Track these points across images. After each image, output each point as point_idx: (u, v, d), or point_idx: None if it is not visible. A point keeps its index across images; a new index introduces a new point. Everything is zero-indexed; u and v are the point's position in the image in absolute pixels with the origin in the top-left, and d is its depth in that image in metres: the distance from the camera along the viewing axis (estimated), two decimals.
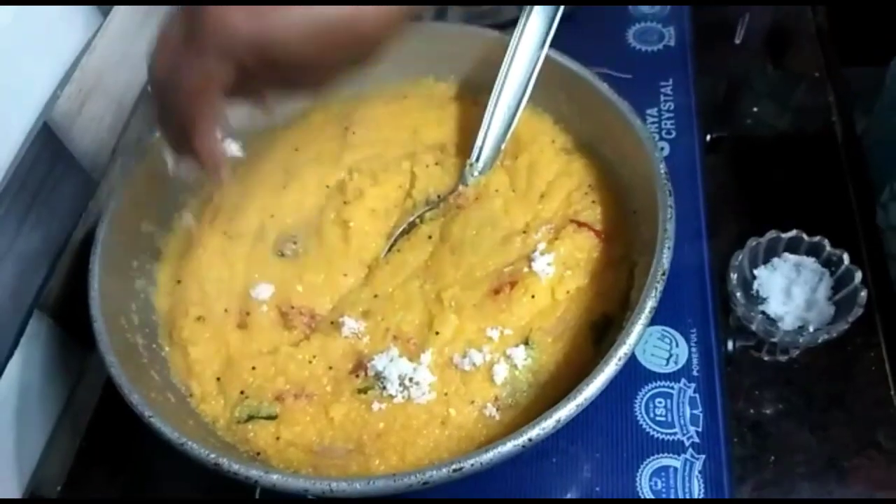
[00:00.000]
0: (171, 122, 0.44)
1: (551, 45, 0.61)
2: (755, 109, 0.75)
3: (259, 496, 0.53)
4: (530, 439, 0.42)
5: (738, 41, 0.81)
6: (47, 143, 0.57)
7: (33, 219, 0.56)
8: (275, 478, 0.43)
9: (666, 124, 0.72)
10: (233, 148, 0.48)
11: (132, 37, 0.67)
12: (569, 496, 0.53)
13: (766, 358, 0.58)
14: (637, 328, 0.46)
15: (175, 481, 0.56)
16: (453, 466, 0.41)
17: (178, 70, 0.40)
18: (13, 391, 0.54)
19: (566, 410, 0.43)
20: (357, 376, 0.53)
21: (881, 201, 0.65)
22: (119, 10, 0.64)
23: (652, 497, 0.52)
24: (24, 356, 0.55)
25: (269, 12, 0.38)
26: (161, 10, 0.68)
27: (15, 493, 0.55)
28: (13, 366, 0.54)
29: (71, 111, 0.59)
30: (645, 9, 0.83)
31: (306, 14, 0.38)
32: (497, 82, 0.62)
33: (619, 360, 0.44)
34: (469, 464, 0.41)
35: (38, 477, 0.57)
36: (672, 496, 0.52)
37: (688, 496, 0.52)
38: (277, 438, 0.50)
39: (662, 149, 0.68)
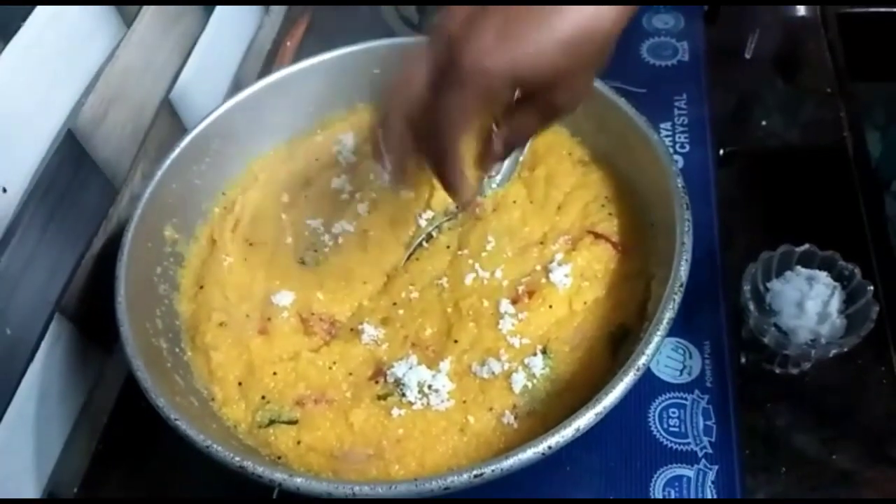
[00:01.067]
0: (421, 150, 0.44)
1: None
2: (765, 124, 0.76)
3: (276, 498, 0.54)
4: (550, 447, 0.43)
5: (748, 56, 0.81)
6: (71, 149, 0.58)
7: (56, 224, 0.56)
8: (298, 481, 0.43)
9: (680, 138, 0.73)
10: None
11: (154, 47, 0.68)
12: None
13: (778, 370, 0.59)
14: (655, 339, 0.46)
15: (191, 483, 0.57)
16: (474, 472, 0.42)
17: (434, 107, 0.41)
18: (33, 393, 0.55)
19: (585, 419, 0.43)
20: (376, 383, 0.54)
21: (892, 189, 0.66)
22: (142, 22, 0.65)
23: None
24: (45, 358, 0.56)
25: (520, 42, 0.38)
26: (177, 13, 0.69)
27: (32, 493, 0.56)
28: (34, 368, 0.55)
29: (94, 119, 0.60)
30: (659, 24, 0.84)
31: (551, 31, 0.38)
32: (516, 94, 0.62)
33: (638, 370, 0.45)
34: (490, 470, 0.42)
35: (56, 478, 0.58)
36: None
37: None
38: (298, 443, 0.51)
39: (676, 162, 0.69)
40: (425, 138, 0.43)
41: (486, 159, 0.47)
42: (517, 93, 0.42)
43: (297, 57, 0.69)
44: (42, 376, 0.56)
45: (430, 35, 0.41)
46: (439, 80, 0.40)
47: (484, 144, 0.46)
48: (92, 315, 0.60)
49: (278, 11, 0.94)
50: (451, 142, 0.42)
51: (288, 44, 0.88)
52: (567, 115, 0.45)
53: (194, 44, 0.74)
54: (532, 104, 0.43)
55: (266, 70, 0.85)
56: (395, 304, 0.58)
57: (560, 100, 0.43)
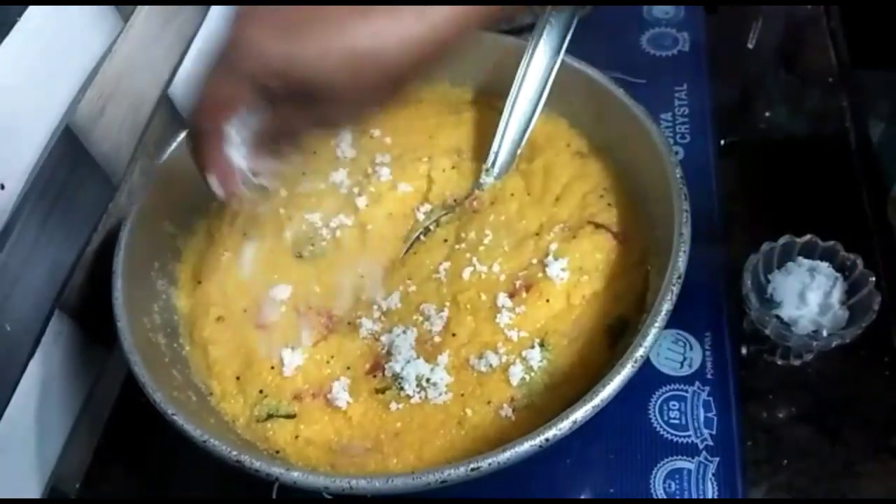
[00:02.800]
0: (191, 132, 0.43)
1: (566, 51, 0.61)
2: (768, 114, 0.75)
3: (276, 496, 0.54)
4: (547, 439, 0.42)
5: (751, 46, 0.81)
6: (69, 146, 0.57)
7: (55, 220, 0.56)
8: (295, 475, 0.43)
9: (680, 129, 0.72)
10: (254, 176, 0.46)
11: (152, 42, 0.68)
12: (583, 497, 0.54)
13: (779, 362, 0.59)
14: (653, 331, 0.46)
15: (192, 480, 0.57)
16: (471, 466, 0.42)
17: (205, 86, 0.40)
18: (34, 390, 0.55)
19: (583, 411, 0.43)
20: (374, 376, 0.54)
21: (892, 196, 0.65)
22: (139, 17, 0.65)
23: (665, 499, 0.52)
24: (45, 355, 0.56)
25: (303, 37, 0.37)
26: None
27: (34, 491, 0.56)
28: (34, 365, 0.55)
29: (92, 115, 0.60)
30: (659, 14, 0.84)
31: (339, 42, 0.37)
32: (513, 88, 0.62)
33: (636, 361, 0.45)
34: (487, 463, 0.42)
35: (57, 474, 0.58)
36: (686, 498, 0.52)
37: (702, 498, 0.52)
38: (296, 437, 0.51)
39: (677, 153, 0.69)
40: (191, 118, 0.42)
41: (256, 150, 0.43)
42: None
43: None
44: (42, 373, 0.56)
45: (231, 10, 0.39)
46: (218, 58, 0.39)
47: (259, 134, 0.43)
48: (92, 311, 0.60)
49: None
50: (210, 122, 0.41)
51: None
52: (343, 128, 0.43)
53: (193, 38, 0.74)
54: (305, 105, 0.40)
55: None
56: (393, 297, 0.57)
57: (333, 114, 0.41)
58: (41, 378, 0.56)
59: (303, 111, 0.40)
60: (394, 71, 0.38)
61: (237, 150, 0.42)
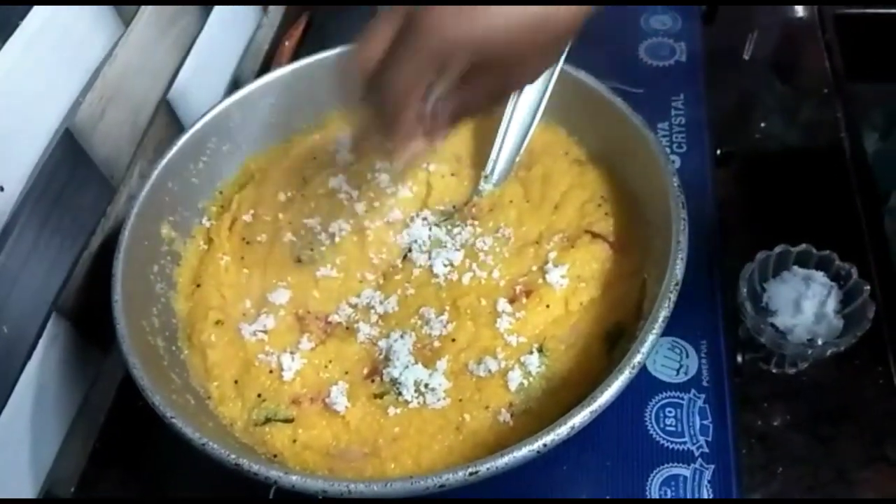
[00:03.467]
0: (376, 112, 0.45)
1: (565, 60, 0.62)
2: (763, 125, 0.76)
3: (272, 497, 0.54)
4: (545, 445, 0.43)
5: (746, 57, 0.82)
6: (69, 148, 0.58)
7: (54, 223, 0.56)
8: (294, 479, 0.43)
9: (677, 138, 0.73)
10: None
11: (152, 46, 0.68)
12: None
13: (774, 370, 0.59)
14: (650, 337, 0.46)
15: (187, 483, 0.57)
16: (469, 470, 0.42)
17: (390, 68, 0.42)
18: (30, 392, 0.55)
19: (580, 417, 0.43)
20: (373, 381, 0.54)
21: (888, 207, 0.66)
22: (140, 21, 0.65)
23: None
24: (42, 357, 0.56)
25: (480, 15, 0.40)
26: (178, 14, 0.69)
27: (29, 493, 0.56)
28: (31, 367, 0.55)
29: (92, 118, 0.60)
30: (656, 24, 0.84)
31: (511, 14, 0.40)
32: (512, 96, 0.62)
33: (633, 368, 0.45)
34: (485, 468, 0.42)
35: (53, 477, 0.58)
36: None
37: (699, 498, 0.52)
38: (294, 441, 0.51)
39: (673, 162, 0.69)
40: (377, 98, 0.44)
41: (431, 130, 0.46)
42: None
43: (296, 57, 0.69)
44: (39, 375, 0.56)
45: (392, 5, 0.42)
46: (397, 42, 0.41)
47: (431, 115, 0.46)
48: (89, 314, 0.60)
49: (276, 11, 0.94)
50: (401, 100, 0.43)
51: (286, 43, 0.88)
52: (512, 93, 0.47)
53: (192, 43, 0.75)
54: (481, 78, 0.43)
55: (264, 70, 0.85)
56: (391, 302, 0.58)
57: (510, 79, 0.44)
58: (37, 380, 0.56)
59: (484, 80, 0.43)
60: (563, 31, 0.42)
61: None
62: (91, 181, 0.61)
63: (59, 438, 0.59)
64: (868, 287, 0.56)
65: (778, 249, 0.59)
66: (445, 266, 0.59)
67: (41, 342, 0.56)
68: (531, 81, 0.46)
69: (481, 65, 0.41)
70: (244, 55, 0.86)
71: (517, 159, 0.63)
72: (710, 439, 0.55)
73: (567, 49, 0.44)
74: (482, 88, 0.44)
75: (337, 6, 0.91)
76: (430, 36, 0.40)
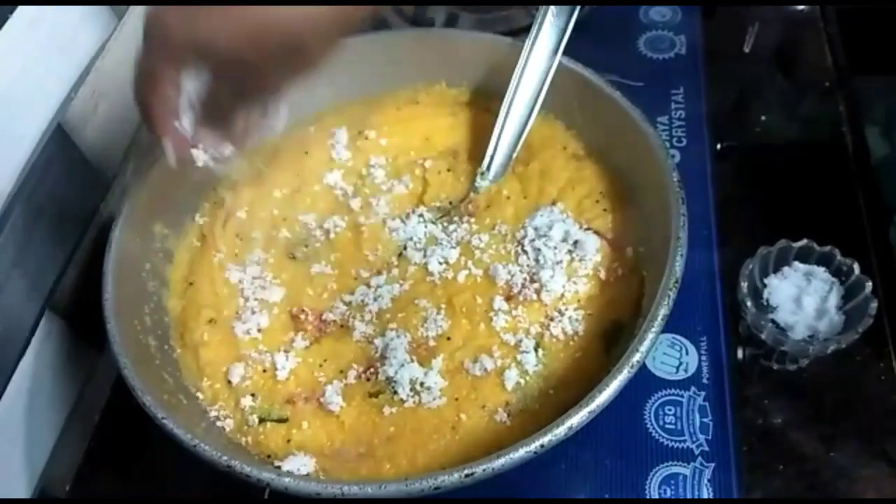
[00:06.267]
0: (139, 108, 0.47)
1: (563, 53, 0.61)
2: (764, 118, 0.75)
3: (267, 497, 0.54)
4: (542, 445, 0.42)
5: (747, 50, 0.81)
6: (61, 144, 0.57)
7: (46, 220, 0.56)
8: (286, 481, 0.43)
9: (677, 132, 0.72)
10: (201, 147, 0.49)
11: None
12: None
13: (775, 367, 0.58)
14: (650, 336, 0.46)
15: (183, 482, 0.56)
16: (465, 472, 0.41)
17: (136, 64, 0.45)
18: (24, 390, 0.55)
19: (578, 417, 0.43)
20: (368, 380, 0.53)
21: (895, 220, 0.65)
22: (133, 15, 0.65)
23: None
24: (36, 356, 0.55)
25: (203, 14, 0.41)
26: None
27: (24, 493, 0.56)
28: (24, 365, 0.54)
29: (84, 113, 0.60)
30: (656, 17, 0.83)
31: (237, 16, 0.40)
32: (509, 89, 0.62)
33: (632, 367, 0.45)
34: (481, 469, 0.41)
35: (47, 476, 0.57)
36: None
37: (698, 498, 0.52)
38: (288, 441, 0.51)
39: (673, 156, 0.68)
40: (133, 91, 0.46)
41: (201, 121, 0.48)
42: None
43: None
44: (32, 374, 0.55)
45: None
46: (142, 43, 0.44)
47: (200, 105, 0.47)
48: (83, 312, 0.59)
49: None
50: (148, 94, 0.45)
51: None
52: (266, 99, 0.48)
53: None
54: (223, 79, 0.44)
55: None
56: (386, 300, 0.57)
57: (250, 83, 0.45)
58: (31, 379, 0.55)
59: (225, 83, 0.45)
60: (296, 41, 0.42)
61: (188, 120, 0.47)
62: (83, 177, 0.60)
63: (53, 437, 0.59)
64: (870, 283, 0.55)
65: (779, 245, 0.58)
66: (441, 264, 0.58)
67: (34, 340, 0.55)
68: (279, 89, 0.46)
69: (217, 66, 0.43)
70: None
71: (514, 154, 0.62)
72: (710, 437, 0.54)
73: (321, 61, 0.44)
74: (227, 88, 0.46)
75: None
76: (156, 35, 0.42)
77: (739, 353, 0.59)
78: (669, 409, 0.56)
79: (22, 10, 0.53)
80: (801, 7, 0.84)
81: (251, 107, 0.49)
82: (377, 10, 0.45)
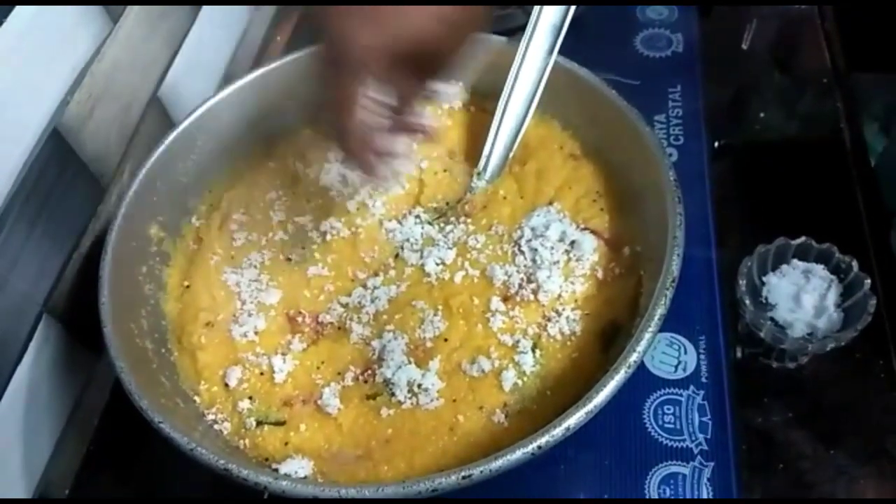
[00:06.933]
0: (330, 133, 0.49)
1: (559, 52, 0.61)
2: (762, 115, 0.75)
3: (266, 498, 0.53)
4: (539, 447, 0.42)
5: (745, 47, 0.81)
6: (57, 148, 0.57)
7: (43, 223, 0.56)
8: (284, 484, 0.43)
9: (674, 130, 0.72)
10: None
11: (142, 43, 0.67)
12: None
13: (774, 365, 0.58)
14: (647, 336, 0.46)
15: (182, 484, 0.56)
16: (462, 474, 0.41)
17: (324, 86, 0.45)
18: (22, 395, 0.55)
19: (576, 418, 0.43)
20: (365, 382, 0.53)
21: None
22: (129, 18, 0.65)
23: None
24: (33, 360, 0.55)
25: (388, 21, 0.42)
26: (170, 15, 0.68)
27: (23, 496, 0.56)
28: (22, 370, 0.54)
29: (81, 117, 0.59)
30: (653, 15, 0.83)
31: (419, 14, 0.42)
32: (505, 89, 0.62)
33: (629, 367, 0.44)
34: (478, 471, 0.41)
35: (46, 480, 0.57)
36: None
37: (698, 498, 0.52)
38: (286, 444, 0.51)
39: (670, 155, 0.68)
40: (330, 119, 0.47)
41: (388, 133, 0.49)
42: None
43: (288, 52, 0.68)
44: (30, 378, 0.55)
45: (312, 14, 0.45)
46: (331, 68, 0.44)
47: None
48: (80, 316, 0.59)
49: (268, 7, 0.93)
50: (344, 117, 0.45)
51: (278, 39, 0.87)
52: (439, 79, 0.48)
53: (183, 40, 0.74)
54: (412, 71, 0.45)
55: (257, 66, 0.84)
56: (383, 301, 0.57)
57: (433, 66, 0.46)
58: (29, 382, 0.55)
59: (412, 76, 0.46)
60: (480, 13, 0.44)
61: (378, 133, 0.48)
62: (80, 181, 0.60)
63: (52, 441, 0.59)
64: (868, 280, 0.55)
65: (777, 243, 0.58)
66: (438, 265, 0.58)
67: (32, 344, 0.55)
68: (457, 61, 0.47)
69: (408, 60, 0.43)
70: (236, 51, 0.85)
71: (511, 154, 0.62)
72: (709, 436, 0.54)
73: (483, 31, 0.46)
74: (414, 82, 0.47)
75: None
76: (349, 53, 0.42)
77: (738, 352, 0.59)
78: (668, 409, 0.56)
79: (17, 15, 0.53)
80: (798, 5, 0.84)
81: (430, 88, 0.49)
82: None
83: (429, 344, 0.54)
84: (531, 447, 0.42)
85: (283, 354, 0.55)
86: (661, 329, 0.47)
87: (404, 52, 0.43)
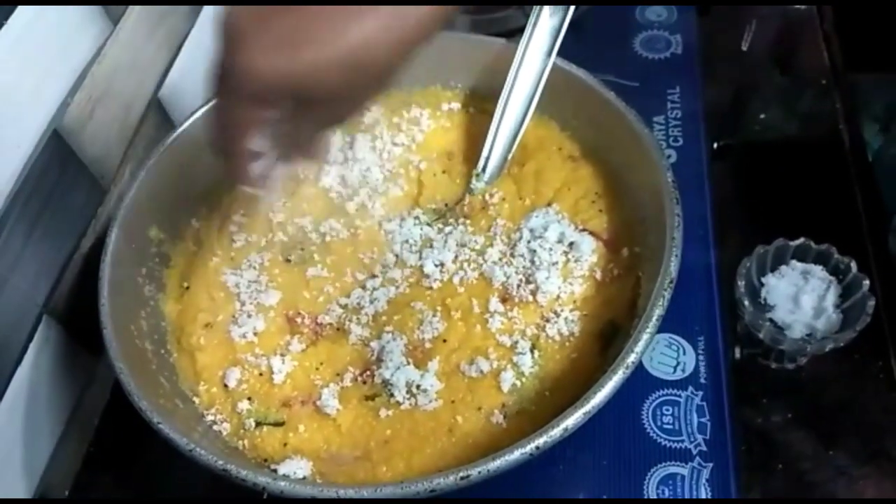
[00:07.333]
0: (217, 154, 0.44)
1: (558, 54, 0.61)
2: (762, 116, 0.75)
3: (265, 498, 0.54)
4: (538, 447, 0.42)
5: (744, 48, 0.81)
6: (57, 150, 0.57)
7: (43, 225, 0.56)
8: (283, 484, 0.43)
9: (673, 132, 0.72)
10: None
11: (142, 45, 0.67)
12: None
13: (773, 366, 0.58)
14: (644, 336, 0.46)
15: (182, 485, 0.56)
16: (460, 474, 0.41)
17: (217, 113, 0.42)
18: (22, 396, 0.55)
19: (574, 418, 0.43)
20: (364, 383, 0.53)
21: (894, 227, 0.65)
22: (129, 19, 0.65)
23: None
24: (34, 361, 0.55)
25: (297, 49, 0.37)
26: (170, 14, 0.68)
27: (23, 496, 0.56)
28: (22, 371, 0.54)
29: (81, 118, 0.60)
30: (652, 16, 0.83)
31: (331, 49, 0.37)
32: (504, 91, 0.62)
33: (627, 368, 0.44)
34: (476, 472, 0.41)
35: (46, 481, 0.57)
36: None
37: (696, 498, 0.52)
38: (285, 445, 0.51)
39: (669, 156, 0.69)
40: (215, 143, 0.43)
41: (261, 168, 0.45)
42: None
43: None
44: (30, 379, 0.55)
45: (217, 25, 0.39)
46: (221, 87, 0.40)
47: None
48: (81, 317, 0.59)
49: None
50: (231, 145, 0.42)
51: None
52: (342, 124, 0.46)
53: (183, 41, 0.74)
54: (307, 111, 0.41)
55: None
56: (382, 302, 0.57)
57: (334, 114, 0.43)
58: (29, 383, 0.55)
59: (306, 116, 0.42)
60: (385, 69, 0.40)
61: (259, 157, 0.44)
62: (81, 182, 0.60)
63: (52, 441, 0.59)
64: (867, 281, 0.55)
65: (776, 244, 0.58)
66: (436, 266, 0.58)
67: (32, 345, 0.55)
68: (357, 115, 0.46)
69: (302, 101, 0.39)
70: None
71: (510, 156, 0.62)
72: (707, 437, 0.54)
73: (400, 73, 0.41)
74: (310, 122, 0.43)
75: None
76: (246, 79, 0.38)
77: (737, 353, 0.59)
78: (667, 409, 0.56)
79: (17, 16, 0.53)
80: (798, 6, 0.84)
81: (334, 128, 0.47)
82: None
83: (427, 345, 0.54)
84: (529, 448, 0.42)
85: (282, 355, 0.55)
86: (660, 330, 0.47)
87: (305, 91, 0.39)
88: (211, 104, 0.44)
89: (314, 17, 0.37)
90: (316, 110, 0.41)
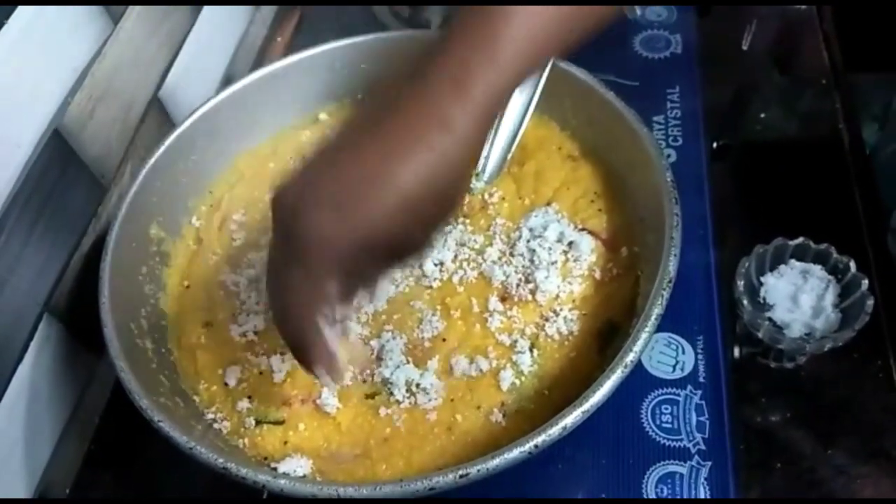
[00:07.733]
0: (287, 338, 0.42)
1: None
2: (762, 116, 0.75)
3: (266, 498, 0.54)
4: (536, 446, 0.42)
5: (745, 48, 0.81)
6: (58, 149, 0.57)
7: (44, 224, 0.56)
8: (282, 483, 0.43)
9: (672, 131, 0.72)
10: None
11: (143, 44, 0.67)
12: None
13: (772, 365, 0.58)
14: (643, 336, 0.46)
15: (183, 483, 0.56)
16: (460, 472, 0.42)
17: (288, 292, 0.40)
18: (23, 395, 0.55)
19: (572, 417, 0.43)
20: (364, 382, 0.53)
21: (893, 226, 0.65)
22: (129, 18, 0.65)
23: None
24: (34, 360, 0.55)
25: (355, 214, 0.37)
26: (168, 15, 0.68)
27: (24, 496, 0.56)
28: (23, 369, 0.54)
29: (81, 118, 0.60)
30: (651, 16, 0.83)
31: (391, 196, 0.37)
32: None
33: (626, 367, 0.45)
34: (475, 470, 0.42)
35: (47, 480, 0.58)
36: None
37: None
38: (285, 443, 0.51)
39: (669, 156, 0.69)
40: (279, 320, 0.42)
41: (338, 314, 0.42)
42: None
43: (289, 53, 0.68)
44: (31, 378, 0.55)
45: (273, 206, 0.39)
46: (285, 255, 0.39)
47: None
48: (81, 315, 0.59)
49: (269, 7, 0.93)
50: (307, 324, 0.40)
51: (279, 39, 0.88)
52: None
53: (183, 40, 0.74)
54: (382, 258, 0.40)
55: (257, 67, 0.84)
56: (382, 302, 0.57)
57: (401, 256, 0.41)
58: (30, 382, 0.55)
59: (381, 262, 0.41)
60: (446, 197, 0.39)
61: (330, 330, 0.42)
62: (81, 181, 0.60)
63: (53, 440, 0.59)
64: (866, 280, 0.55)
65: (775, 243, 0.58)
66: (436, 265, 0.58)
67: (33, 344, 0.55)
68: (432, 242, 0.43)
69: (377, 254, 0.39)
70: (237, 52, 0.85)
71: (509, 156, 0.62)
72: (706, 436, 0.54)
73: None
74: (382, 268, 0.42)
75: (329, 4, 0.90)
76: (319, 254, 0.37)
77: (736, 352, 0.59)
78: (666, 408, 0.56)
79: (18, 16, 0.53)
80: (797, 6, 0.84)
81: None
82: None
83: (427, 344, 0.54)
84: (528, 446, 0.42)
85: (282, 354, 0.54)
86: (659, 329, 0.47)
87: (374, 246, 0.38)
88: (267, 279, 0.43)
89: (354, 173, 0.37)
90: (387, 257, 0.40)
